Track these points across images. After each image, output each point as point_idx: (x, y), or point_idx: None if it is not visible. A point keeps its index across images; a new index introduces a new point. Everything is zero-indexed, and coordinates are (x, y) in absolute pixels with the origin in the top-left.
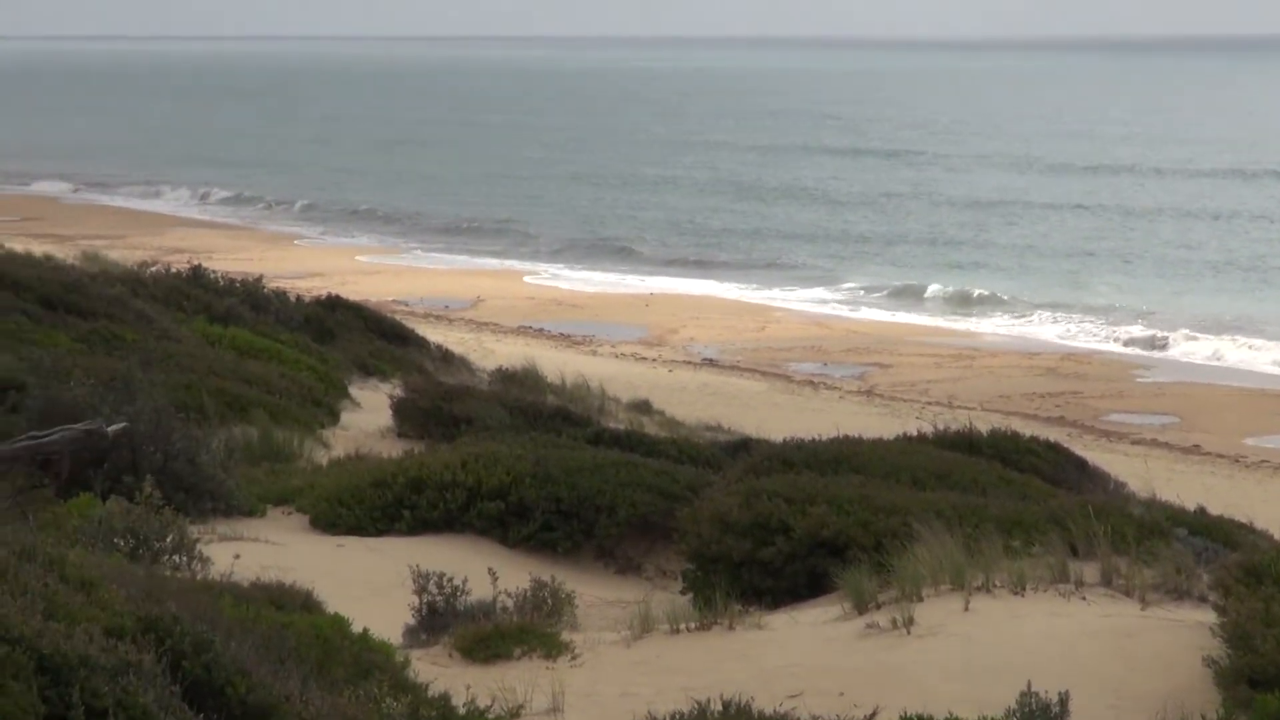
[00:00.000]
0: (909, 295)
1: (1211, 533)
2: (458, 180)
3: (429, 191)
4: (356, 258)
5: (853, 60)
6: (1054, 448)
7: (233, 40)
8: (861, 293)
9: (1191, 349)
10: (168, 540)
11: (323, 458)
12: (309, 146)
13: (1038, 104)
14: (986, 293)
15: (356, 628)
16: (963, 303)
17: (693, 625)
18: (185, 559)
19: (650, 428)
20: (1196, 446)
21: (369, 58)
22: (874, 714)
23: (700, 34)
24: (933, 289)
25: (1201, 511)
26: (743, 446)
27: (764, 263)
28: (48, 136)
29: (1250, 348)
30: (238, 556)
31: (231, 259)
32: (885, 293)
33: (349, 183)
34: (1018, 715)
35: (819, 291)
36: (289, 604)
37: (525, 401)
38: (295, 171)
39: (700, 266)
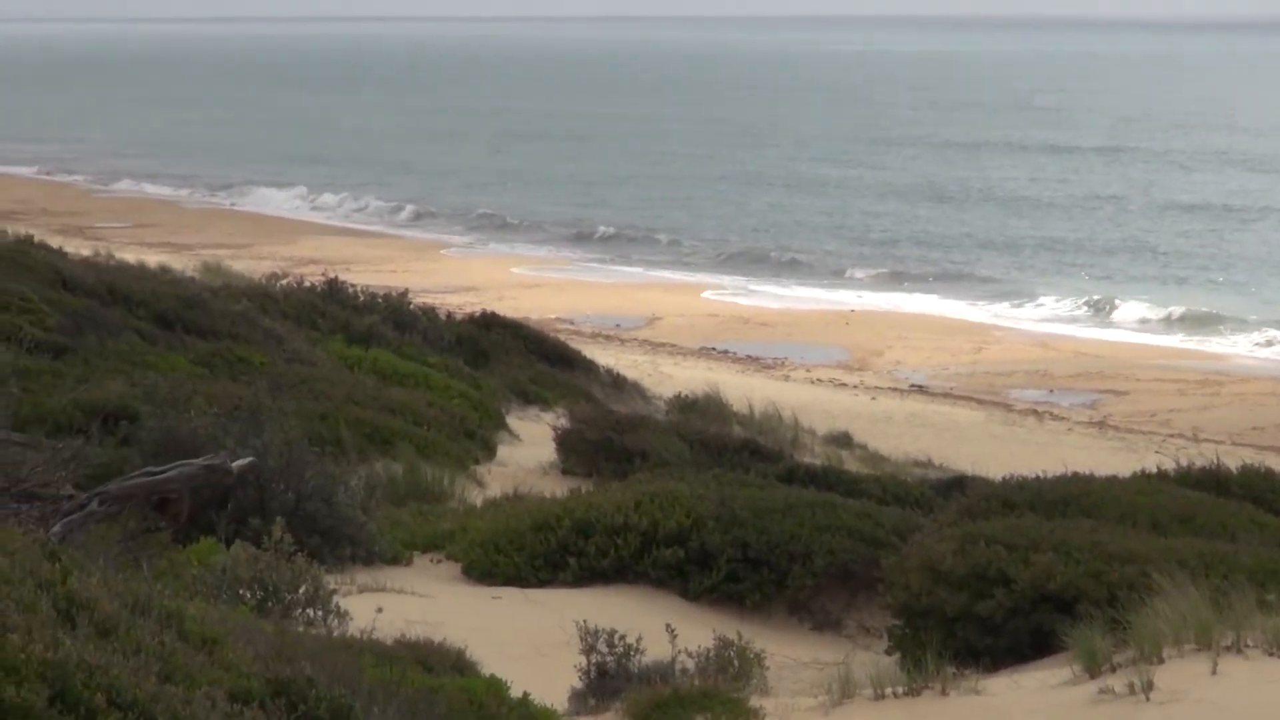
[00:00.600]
0: (1143, 312)
1: None
2: (608, 181)
3: (579, 195)
4: (513, 270)
5: (1045, 42)
6: None
7: (321, 22)
8: (1089, 310)
9: None
10: (300, 591)
11: (477, 497)
12: (430, 143)
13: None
14: (1231, 311)
15: (515, 691)
16: (1206, 322)
17: (900, 690)
18: (320, 613)
19: (851, 464)
20: None
21: (493, 40)
22: None
23: (878, 13)
24: (1172, 306)
25: None
26: (956, 485)
27: (975, 275)
28: (141, 131)
29: None
30: (380, 610)
31: (372, 271)
32: (1116, 310)
33: (489, 184)
34: None
35: (1042, 308)
36: (438, 664)
37: (708, 433)
38: (424, 171)
39: (903, 280)
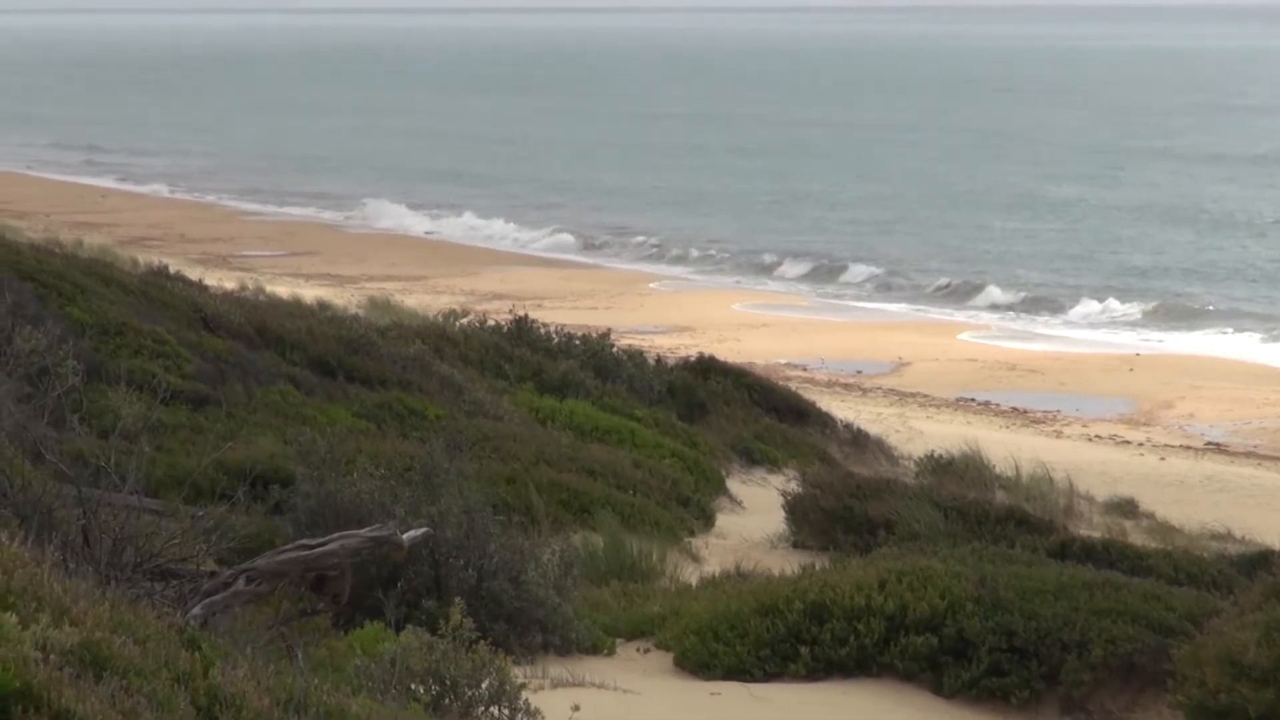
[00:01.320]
0: None
1: None
2: (823, 201)
3: (791, 217)
4: (734, 307)
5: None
6: None
7: (441, 13)
8: None
9: None
10: (483, 686)
11: (691, 575)
12: (607, 151)
13: None
14: None
15: None
16: None
17: None
18: (506, 711)
19: (1136, 536)
20: None
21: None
22: None
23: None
24: None
25: None
26: (1262, 561)
27: (1275, 315)
28: (278, 141)
29: None
30: (577, 708)
31: (568, 307)
32: None
33: (691, 205)
34: None
35: None
36: None
37: (965, 500)
38: (613, 190)
39: (1190, 317)
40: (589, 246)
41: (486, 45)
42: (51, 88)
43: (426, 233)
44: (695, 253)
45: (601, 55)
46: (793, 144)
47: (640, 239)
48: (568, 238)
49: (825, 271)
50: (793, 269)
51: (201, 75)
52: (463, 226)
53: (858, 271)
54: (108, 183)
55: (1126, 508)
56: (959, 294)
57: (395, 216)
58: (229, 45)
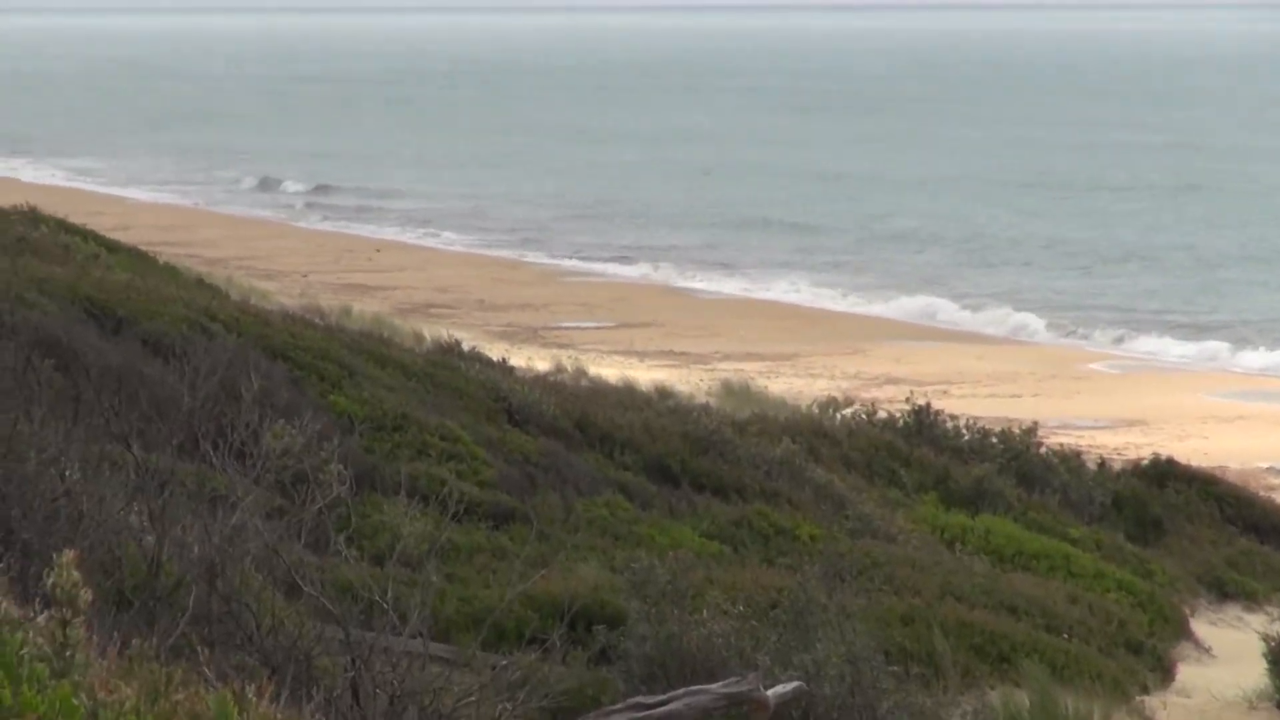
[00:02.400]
0: None
1: None
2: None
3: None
4: (1203, 395)
5: None
6: None
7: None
8: None
9: None
10: None
11: None
12: (972, 186)
13: None
14: None
15: None
16: None
17: None
18: None
19: None
20: None
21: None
22: None
23: None
24: None
25: None
26: None
27: None
28: (579, 178)
29: None
30: None
31: (983, 394)
32: None
33: (1122, 257)
34: None
35: None
36: None
37: None
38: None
39: None
40: (1024, 325)
41: (777, 51)
42: (242, 105)
43: (791, 298)
44: (1137, 319)
45: (945, 63)
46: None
47: (1072, 310)
48: (1011, 312)
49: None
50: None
51: (429, 89)
52: (831, 291)
53: None
54: (382, 232)
55: None
56: None
57: (761, 278)
58: (454, 53)
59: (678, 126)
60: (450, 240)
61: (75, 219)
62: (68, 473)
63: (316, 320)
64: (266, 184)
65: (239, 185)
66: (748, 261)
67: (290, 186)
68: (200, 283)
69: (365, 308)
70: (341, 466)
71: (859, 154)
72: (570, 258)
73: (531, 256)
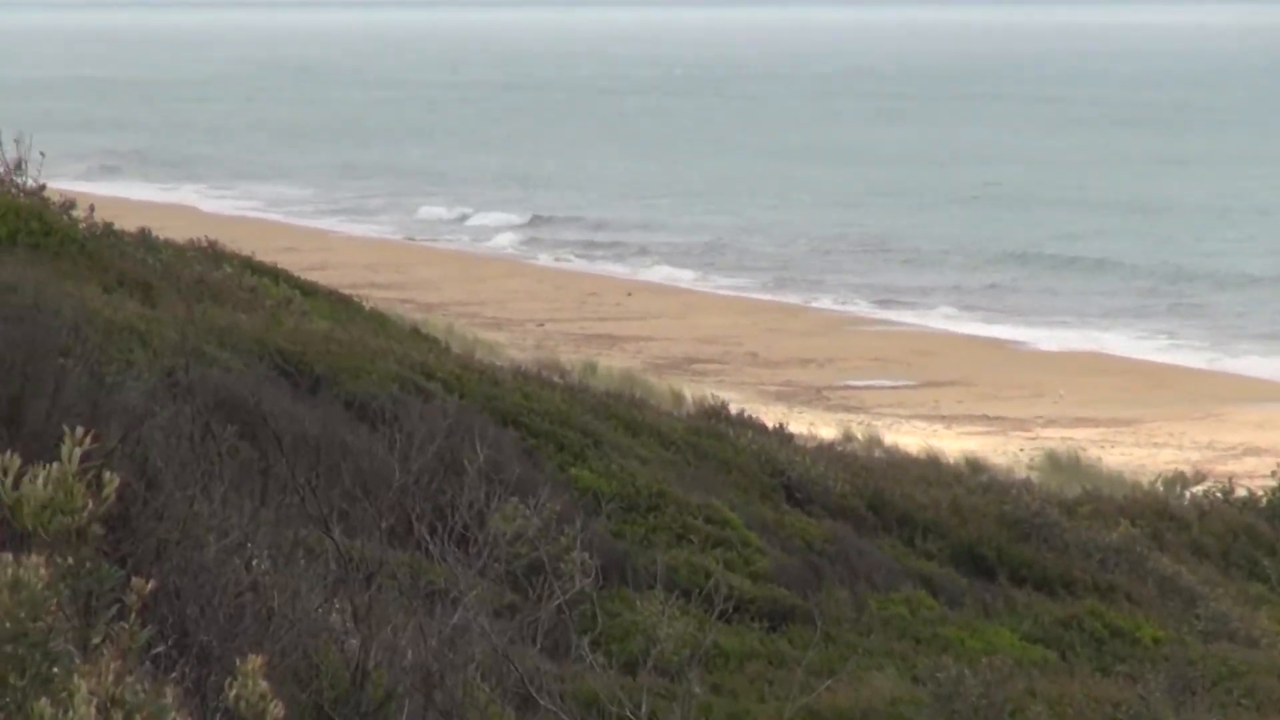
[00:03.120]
0: None
1: None
2: None
3: None
4: None
5: None
6: None
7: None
8: None
9: None
10: None
11: None
12: None
13: None
14: None
15: None
16: None
17: None
18: None
19: None
20: None
21: None
22: None
23: None
24: None
25: None
26: None
27: None
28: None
29: None
30: None
31: None
32: None
33: None
34: None
35: None
36: None
37: None
38: None
39: None
40: None
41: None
42: (432, 117)
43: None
44: None
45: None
46: None
47: None
48: None
49: None
50: None
51: (643, 98)
52: (1172, 342)
53: None
54: (634, 273)
55: None
56: None
57: (1087, 325)
58: (665, 55)
59: (941, 142)
60: (717, 283)
61: (263, 256)
62: (255, 562)
63: (555, 378)
64: (482, 212)
65: (450, 214)
66: (1063, 307)
67: (507, 217)
68: (415, 333)
69: (614, 363)
70: (585, 555)
71: (1160, 177)
72: (855, 301)
73: (811, 300)
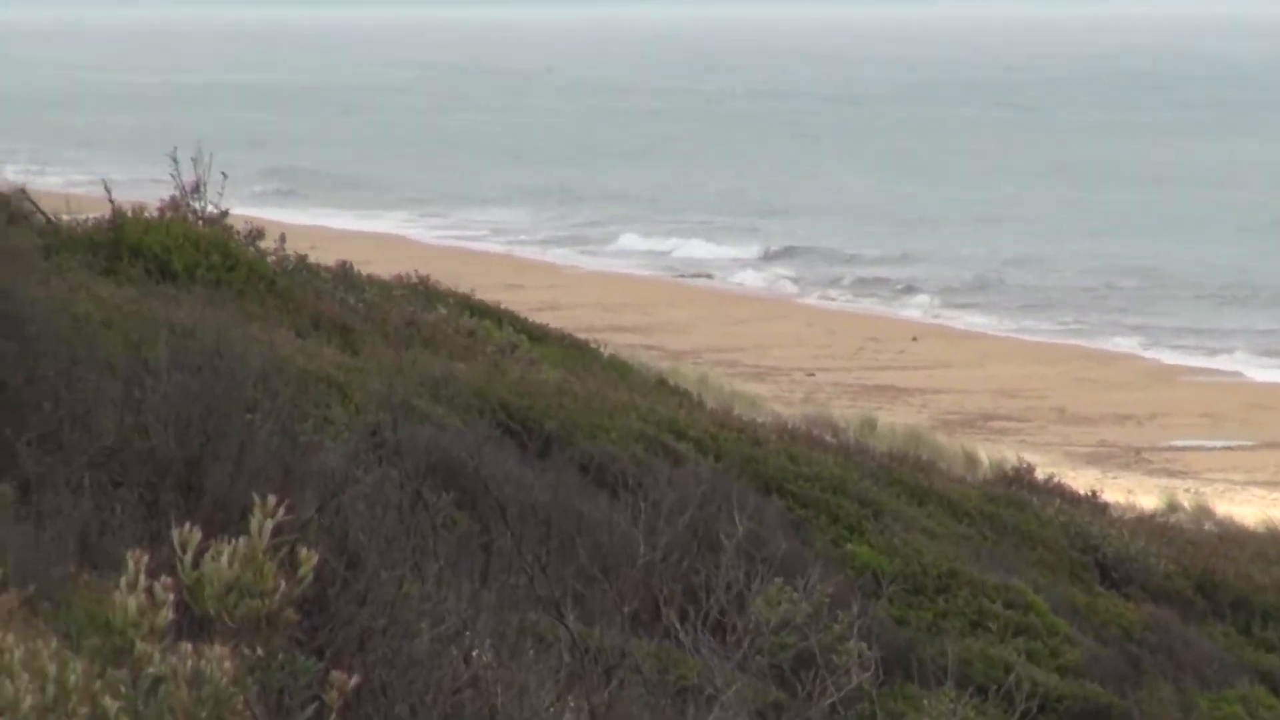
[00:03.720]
0: None
1: None
2: None
3: None
4: None
5: None
6: None
7: None
8: None
9: None
10: None
11: None
12: None
13: None
14: None
15: None
16: None
17: None
18: None
19: None
20: None
21: None
22: None
23: None
24: None
25: None
26: None
27: None
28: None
29: None
30: None
31: None
32: None
33: None
34: None
35: None
36: None
37: None
38: None
39: None
40: None
41: None
42: (657, 131)
43: None
44: None
45: None
46: None
47: None
48: None
49: None
50: None
51: (917, 107)
52: None
53: None
54: (925, 314)
55: None
56: None
57: None
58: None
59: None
60: (1009, 325)
61: (484, 294)
62: (475, 653)
63: (827, 438)
64: (724, 244)
65: (690, 244)
66: None
67: (755, 248)
68: (661, 384)
69: (896, 419)
70: (863, 645)
71: None
72: (1170, 345)
73: (1114, 343)
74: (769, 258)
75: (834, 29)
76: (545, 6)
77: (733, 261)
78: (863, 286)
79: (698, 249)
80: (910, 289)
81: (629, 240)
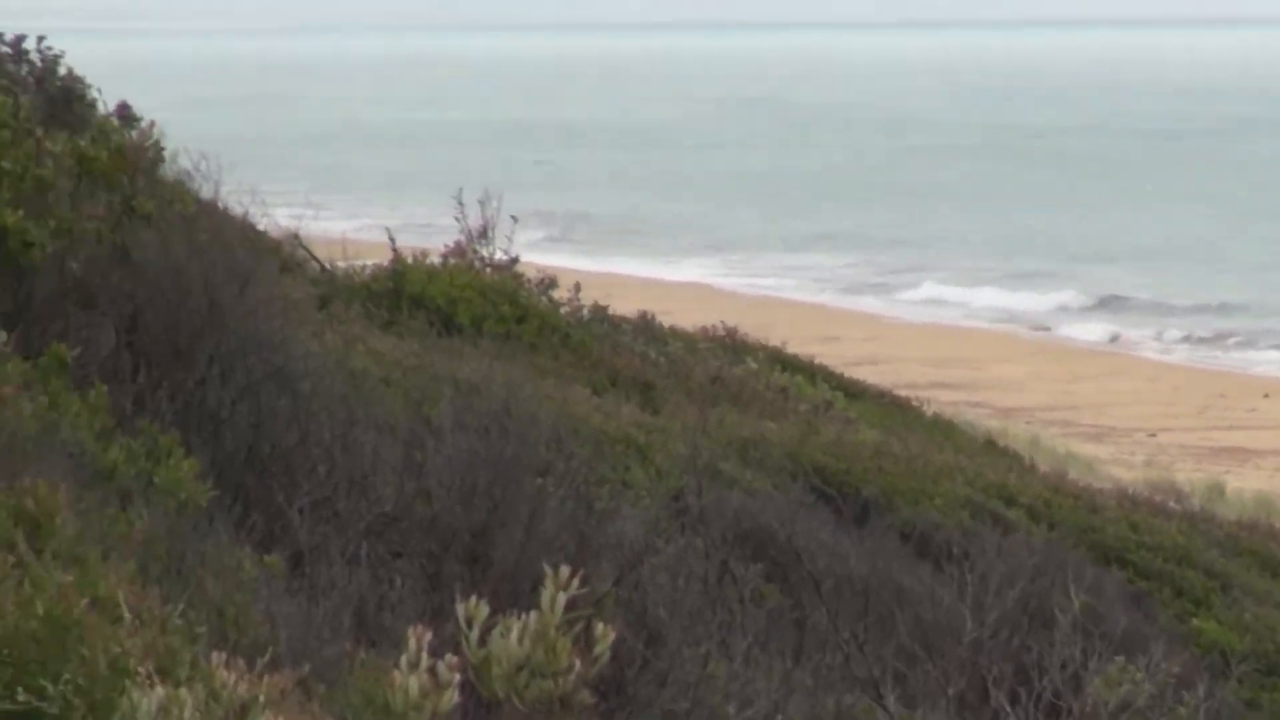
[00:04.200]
0: None
1: None
2: None
3: None
4: None
5: None
6: None
7: None
8: None
9: None
10: None
11: None
12: None
13: None
14: None
15: None
16: None
17: None
18: None
19: None
20: None
21: None
22: None
23: None
24: None
25: None
26: None
27: None
28: None
29: None
30: None
31: None
32: None
33: None
34: None
35: None
36: None
37: None
38: None
39: None
40: None
41: None
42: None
43: None
44: None
45: None
46: None
47: None
48: None
49: None
50: None
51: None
52: None
53: None
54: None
55: None
56: None
57: None
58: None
59: None
60: None
61: (796, 347)
62: None
63: (1171, 504)
64: (1053, 289)
65: (1016, 296)
66: None
67: (1072, 297)
68: (990, 446)
69: (1246, 484)
70: None
71: None
72: None
73: None
74: (1099, 306)
75: (1149, 57)
76: (863, 32)
77: (1059, 310)
78: (1201, 338)
79: (1023, 300)
80: (1253, 341)
81: (945, 291)
